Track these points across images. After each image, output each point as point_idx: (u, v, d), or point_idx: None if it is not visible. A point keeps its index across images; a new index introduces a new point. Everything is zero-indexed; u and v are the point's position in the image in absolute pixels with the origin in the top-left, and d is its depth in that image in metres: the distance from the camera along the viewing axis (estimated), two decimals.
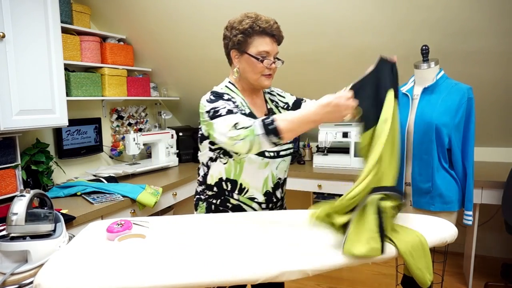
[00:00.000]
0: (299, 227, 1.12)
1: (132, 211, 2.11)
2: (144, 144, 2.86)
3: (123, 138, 2.95)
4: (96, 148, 2.69)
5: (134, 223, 1.15)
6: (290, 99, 1.48)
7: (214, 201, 1.36)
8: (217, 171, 1.32)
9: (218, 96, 1.26)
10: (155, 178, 2.58)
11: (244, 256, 0.92)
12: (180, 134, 3.14)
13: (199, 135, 1.33)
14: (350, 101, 1.03)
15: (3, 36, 1.68)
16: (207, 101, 1.25)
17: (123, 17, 2.71)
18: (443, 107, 1.69)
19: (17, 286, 1.00)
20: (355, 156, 2.76)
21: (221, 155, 1.29)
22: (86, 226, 1.18)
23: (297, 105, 1.46)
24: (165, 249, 0.96)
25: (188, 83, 3.19)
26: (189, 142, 3.20)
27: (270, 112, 1.40)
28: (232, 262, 0.89)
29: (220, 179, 1.32)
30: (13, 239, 1.05)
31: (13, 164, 1.88)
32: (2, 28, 1.69)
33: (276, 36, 1.28)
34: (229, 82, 1.37)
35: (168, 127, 3.25)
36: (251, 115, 1.30)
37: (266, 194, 1.33)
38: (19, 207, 1.05)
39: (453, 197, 1.71)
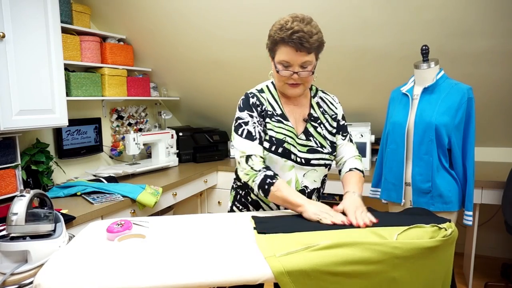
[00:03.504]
0: None
1: (132, 211, 2.11)
2: (144, 144, 2.85)
3: (123, 138, 2.95)
4: (96, 148, 2.69)
5: (134, 223, 1.15)
6: (340, 114, 1.40)
7: (240, 191, 1.40)
8: None
9: (247, 102, 1.30)
10: (155, 178, 2.58)
11: (244, 256, 0.92)
12: (180, 134, 3.14)
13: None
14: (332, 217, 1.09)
15: (3, 36, 1.68)
16: (238, 107, 1.32)
17: (123, 17, 2.71)
18: (443, 107, 1.69)
19: (17, 286, 1.00)
20: None
21: None
22: (86, 226, 1.17)
23: (339, 129, 1.38)
24: (165, 249, 0.96)
25: (188, 83, 3.19)
26: (189, 142, 3.20)
27: (310, 117, 1.33)
28: (233, 262, 0.89)
29: None
30: (13, 239, 1.05)
31: (13, 164, 1.88)
32: (2, 28, 1.69)
33: (297, 46, 1.16)
34: (272, 81, 1.37)
35: (168, 127, 3.25)
36: (282, 116, 1.30)
37: None
38: (19, 207, 1.05)
39: (453, 197, 1.71)
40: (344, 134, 1.40)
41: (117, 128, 2.94)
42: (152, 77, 3.22)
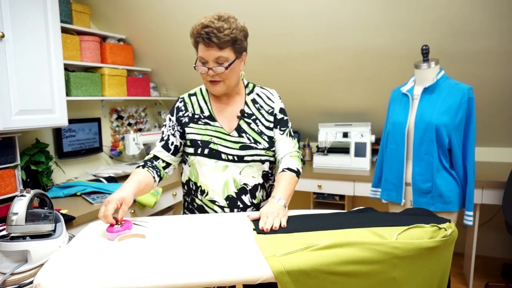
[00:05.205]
0: None
1: (132, 211, 2.11)
2: (144, 144, 2.85)
3: (123, 138, 2.95)
4: (96, 148, 2.68)
5: (134, 223, 1.15)
6: (277, 108, 1.37)
7: (186, 198, 1.41)
8: (187, 171, 1.36)
9: (173, 105, 1.38)
10: None
11: (244, 256, 0.92)
12: None
13: None
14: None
15: (3, 36, 1.68)
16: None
17: (123, 17, 2.71)
18: (444, 107, 1.69)
19: (17, 286, 0.99)
20: (355, 156, 2.76)
21: (185, 157, 1.36)
22: (86, 226, 1.17)
23: (276, 123, 1.35)
24: (165, 249, 0.96)
25: (188, 83, 3.19)
26: None
27: (242, 114, 1.32)
28: (233, 262, 0.88)
29: (189, 179, 1.36)
30: (13, 239, 1.05)
31: (12, 164, 1.88)
32: (2, 28, 1.68)
33: (205, 41, 1.18)
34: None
35: None
36: (209, 117, 1.32)
37: (228, 199, 1.29)
38: (20, 207, 1.05)
39: (453, 197, 1.71)
40: (282, 129, 1.36)
41: (117, 128, 2.94)
42: (152, 77, 3.21)
